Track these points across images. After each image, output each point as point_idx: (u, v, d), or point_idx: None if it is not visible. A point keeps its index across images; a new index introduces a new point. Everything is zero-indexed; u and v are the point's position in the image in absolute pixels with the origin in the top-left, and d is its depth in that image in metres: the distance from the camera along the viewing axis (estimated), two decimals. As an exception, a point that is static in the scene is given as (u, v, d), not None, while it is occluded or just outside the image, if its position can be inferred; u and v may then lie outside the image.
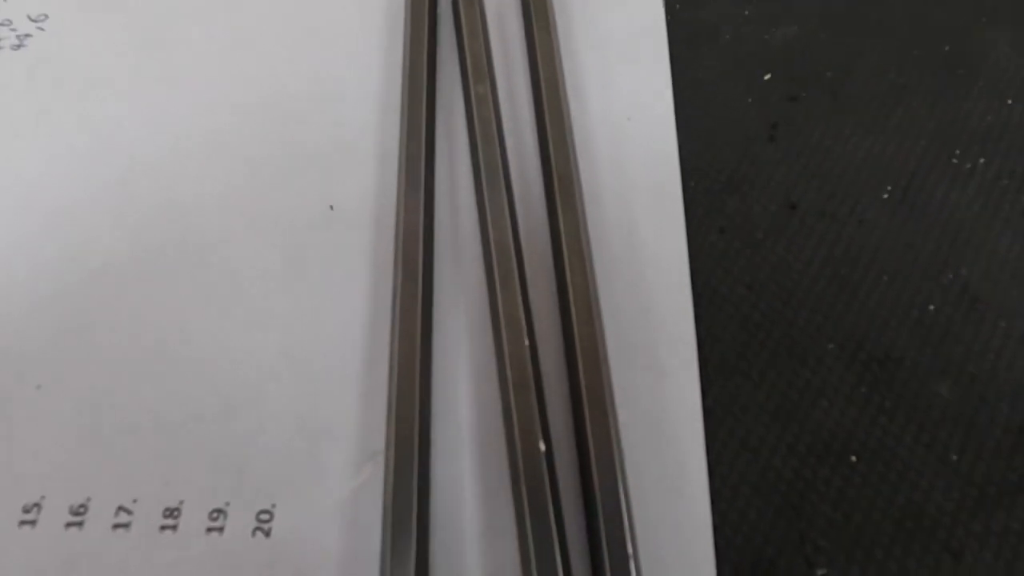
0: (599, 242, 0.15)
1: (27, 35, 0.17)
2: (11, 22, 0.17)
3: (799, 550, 0.13)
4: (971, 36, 0.19)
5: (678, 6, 0.19)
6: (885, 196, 0.16)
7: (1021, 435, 0.14)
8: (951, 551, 0.13)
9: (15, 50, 0.17)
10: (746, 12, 0.19)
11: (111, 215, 0.15)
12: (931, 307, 0.15)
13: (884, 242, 0.16)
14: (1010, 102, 0.18)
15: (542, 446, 0.12)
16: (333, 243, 0.15)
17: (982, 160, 0.17)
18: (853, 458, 0.13)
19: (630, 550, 0.11)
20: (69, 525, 0.12)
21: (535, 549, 0.11)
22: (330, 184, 0.15)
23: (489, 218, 0.14)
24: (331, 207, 0.15)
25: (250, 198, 0.15)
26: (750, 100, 0.17)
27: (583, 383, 0.13)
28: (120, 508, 0.12)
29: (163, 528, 0.12)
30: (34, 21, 0.17)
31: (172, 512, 0.12)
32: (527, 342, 0.13)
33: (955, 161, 0.17)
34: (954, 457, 0.13)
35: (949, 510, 0.13)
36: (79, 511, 0.12)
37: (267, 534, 0.12)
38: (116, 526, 0.12)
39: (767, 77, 0.18)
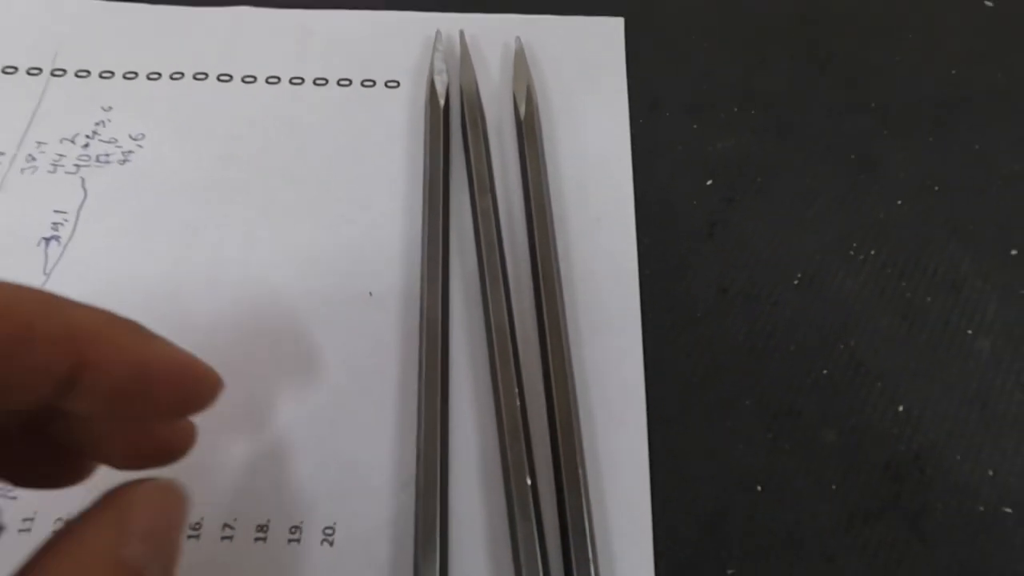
0: (572, 319, 0.20)
1: (130, 151, 0.22)
2: (116, 140, 0.22)
3: (716, 555, 0.17)
4: (871, 147, 0.24)
5: (641, 121, 0.24)
6: (795, 282, 0.21)
7: (885, 470, 0.18)
8: (827, 557, 0.17)
9: (121, 164, 0.22)
10: (694, 127, 0.24)
11: (199, 298, 0.20)
12: (825, 371, 0.20)
13: (792, 320, 0.20)
14: (899, 202, 0.22)
15: (528, 480, 0.16)
16: (372, 321, 0.19)
17: (872, 251, 0.22)
18: (759, 487, 0.18)
19: (590, 552, 0.16)
20: (190, 537, 0.16)
21: (523, 549, 0.15)
22: (369, 275, 0.20)
23: (490, 305, 0.19)
24: (370, 293, 0.20)
25: (307, 284, 0.20)
26: (695, 202, 0.22)
27: (560, 433, 0.17)
28: (225, 524, 0.16)
29: (256, 540, 0.16)
30: (134, 139, 0.22)
31: (262, 527, 0.16)
32: (518, 402, 0.17)
33: (851, 252, 0.22)
34: (833, 487, 0.18)
35: (828, 527, 0.18)
36: (195, 527, 0.16)
37: (331, 544, 0.16)
38: (223, 538, 0.16)
39: (709, 183, 0.23)
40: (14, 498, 0.17)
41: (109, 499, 0.10)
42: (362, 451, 0.18)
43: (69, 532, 0.09)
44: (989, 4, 0.27)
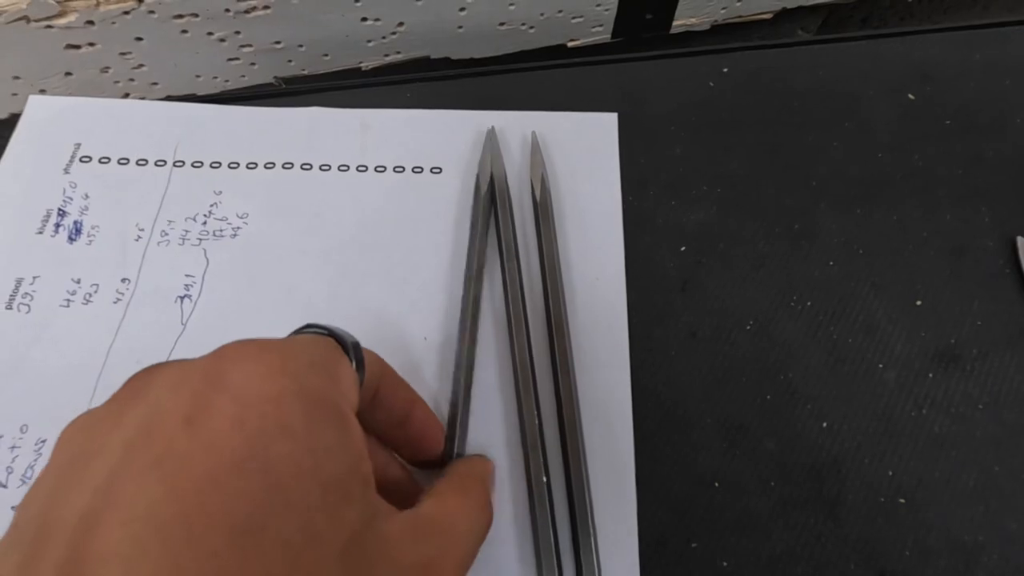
0: (578, 356, 0.26)
1: (238, 227, 0.29)
2: (227, 218, 0.29)
3: (683, 532, 0.23)
4: (810, 218, 0.30)
5: (630, 199, 0.30)
6: (748, 327, 0.27)
7: (811, 471, 0.24)
8: (765, 535, 0.23)
9: (233, 238, 0.28)
10: (672, 203, 0.30)
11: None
12: (768, 396, 0.26)
13: (744, 357, 0.27)
14: (831, 263, 0.29)
15: (544, 478, 0.23)
16: (427, 360, 0.26)
17: (808, 302, 0.28)
18: (716, 483, 0.24)
19: (591, 529, 0.22)
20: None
21: (540, 528, 0.22)
22: (423, 322, 0.27)
23: (515, 345, 0.25)
24: (424, 338, 0.26)
25: (377, 331, 0.26)
26: (671, 264, 0.29)
27: (568, 443, 0.24)
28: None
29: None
30: (240, 217, 0.29)
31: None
32: (537, 420, 0.24)
33: (792, 304, 0.28)
34: (772, 483, 0.24)
35: (766, 513, 0.24)
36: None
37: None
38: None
39: (683, 248, 0.29)
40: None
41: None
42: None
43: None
44: (911, 97, 0.33)
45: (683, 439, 0.25)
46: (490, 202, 0.29)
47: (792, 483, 0.24)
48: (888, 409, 0.26)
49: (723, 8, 0.43)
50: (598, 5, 0.40)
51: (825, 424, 0.25)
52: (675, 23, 0.43)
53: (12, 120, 0.40)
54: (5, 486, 0.23)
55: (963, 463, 0.25)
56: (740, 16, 0.45)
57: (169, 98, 0.41)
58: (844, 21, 0.53)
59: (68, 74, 0.37)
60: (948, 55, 0.34)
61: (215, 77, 0.40)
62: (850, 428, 0.25)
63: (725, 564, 0.23)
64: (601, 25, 0.42)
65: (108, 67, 0.37)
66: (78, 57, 0.36)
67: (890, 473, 0.24)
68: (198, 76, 0.40)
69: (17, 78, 0.37)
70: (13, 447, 0.24)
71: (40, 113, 0.31)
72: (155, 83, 0.40)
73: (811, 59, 0.34)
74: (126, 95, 0.40)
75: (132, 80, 0.39)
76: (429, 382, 0.25)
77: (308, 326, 0.18)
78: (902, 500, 0.24)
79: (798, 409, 0.26)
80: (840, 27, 0.54)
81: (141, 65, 0.38)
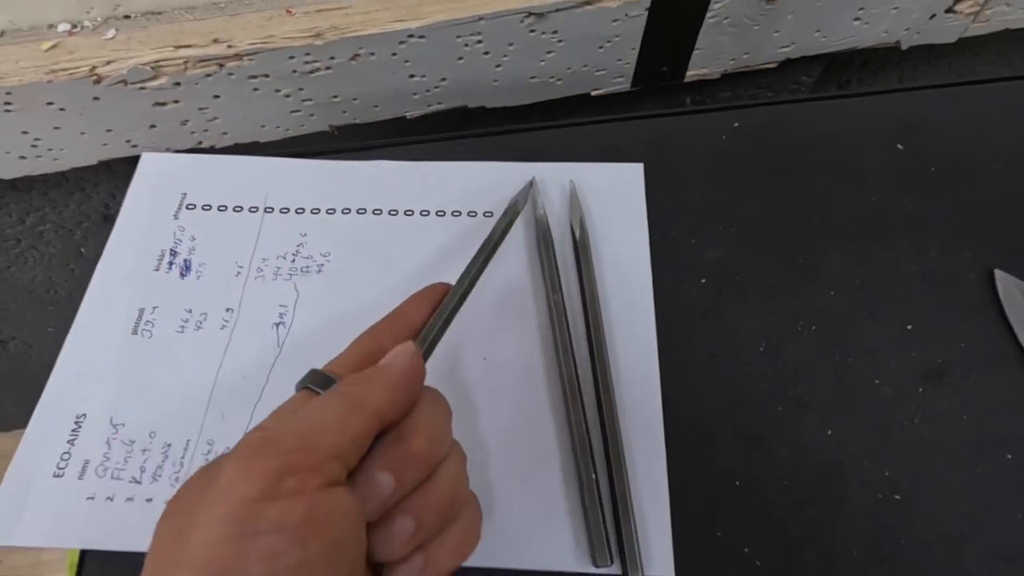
0: (615, 374, 0.30)
1: (322, 264, 0.33)
2: (312, 256, 0.34)
3: (709, 524, 0.27)
4: (815, 254, 0.34)
5: (656, 238, 0.35)
6: (761, 349, 0.32)
7: (819, 472, 0.29)
8: (780, 525, 0.27)
9: (318, 273, 0.33)
10: (693, 241, 0.35)
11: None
12: (780, 409, 0.30)
13: (759, 375, 0.31)
14: (832, 293, 0.33)
15: (593, 475, 0.27)
16: (487, 378, 0.30)
17: (814, 327, 0.32)
18: (737, 483, 0.28)
19: (632, 520, 0.26)
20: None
21: (591, 516, 0.26)
22: (481, 345, 0.31)
23: (562, 365, 0.30)
24: (484, 358, 0.31)
25: (444, 352, 0.31)
26: (693, 295, 0.33)
27: (610, 447, 0.28)
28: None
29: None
30: (324, 256, 0.34)
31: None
32: (584, 428, 0.28)
33: (799, 328, 0.32)
34: (785, 483, 0.28)
35: (780, 508, 0.28)
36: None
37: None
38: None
39: (703, 281, 0.34)
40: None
41: None
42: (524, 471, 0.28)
43: None
44: (900, 147, 0.38)
45: (707, 445, 0.29)
46: (538, 242, 0.34)
47: (802, 482, 0.28)
48: (884, 419, 0.30)
49: (732, 60, 0.49)
50: (619, 60, 0.46)
51: (830, 432, 0.29)
52: (689, 73, 0.48)
53: (101, 167, 0.46)
54: (139, 482, 0.28)
55: (950, 465, 0.29)
56: (748, 66, 0.50)
57: (236, 145, 0.47)
58: (844, 67, 0.58)
59: (152, 126, 0.43)
60: (933, 109, 0.39)
61: (277, 126, 0.45)
62: (852, 435, 0.29)
63: (746, 551, 0.27)
64: (622, 76, 0.47)
65: (187, 120, 0.43)
66: (163, 112, 0.42)
67: (887, 474, 0.29)
68: (263, 126, 0.45)
69: (109, 131, 0.43)
70: (144, 450, 0.28)
71: (152, 167, 0.36)
72: (225, 132, 0.45)
73: (812, 114, 0.39)
74: (199, 143, 0.46)
75: (206, 131, 0.45)
76: (486, 397, 0.30)
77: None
78: (897, 497, 0.28)
79: (806, 419, 0.30)
80: (840, 73, 0.58)
81: (215, 118, 0.43)
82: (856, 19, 0.47)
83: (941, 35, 0.49)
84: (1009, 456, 0.29)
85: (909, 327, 0.32)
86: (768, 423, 0.30)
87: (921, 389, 0.30)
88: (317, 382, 0.21)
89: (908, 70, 0.58)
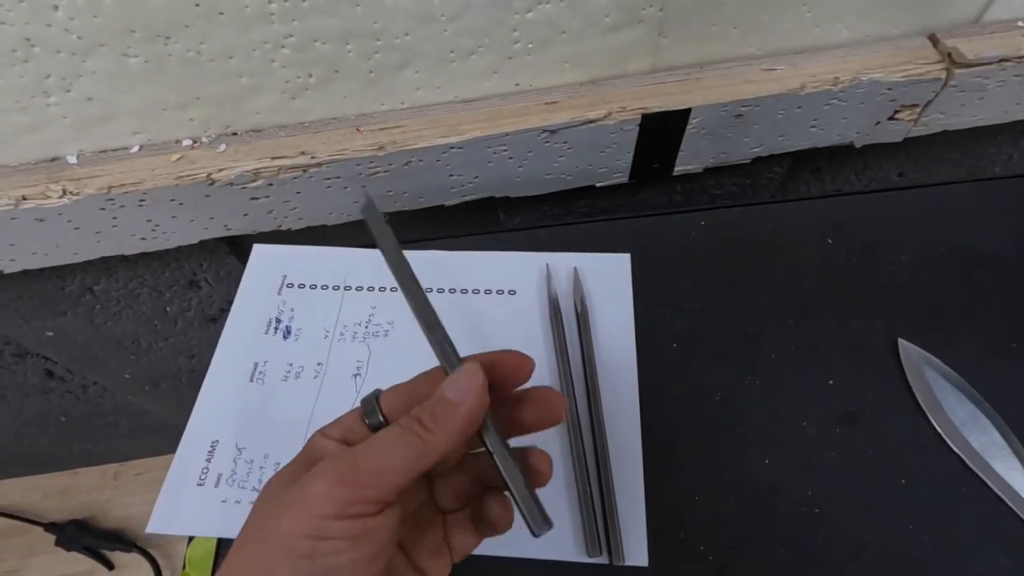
0: (607, 415, 0.41)
1: (388, 330, 0.45)
2: (381, 324, 0.45)
3: (674, 524, 0.37)
4: (760, 325, 0.45)
5: (639, 312, 0.46)
6: (717, 397, 0.42)
7: (758, 491, 0.38)
8: (727, 530, 0.37)
9: (385, 337, 0.44)
10: (667, 314, 0.46)
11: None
12: (729, 442, 0.40)
13: (714, 417, 0.41)
14: (773, 355, 0.44)
15: (588, 488, 0.37)
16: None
17: (757, 381, 0.42)
18: (696, 497, 0.38)
19: (616, 512, 0.36)
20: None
21: (584, 509, 0.36)
22: (508, 393, 0.42)
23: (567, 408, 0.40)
24: (509, 402, 0.41)
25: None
26: (667, 355, 0.44)
27: (600, 463, 0.38)
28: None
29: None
30: (388, 324, 0.45)
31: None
32: (582, 449, 0.38)
33: (746, 382, 0.42)
34: (731, 498, 0.38)
35: (727, 516, 0.38)
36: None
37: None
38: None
39: (674, 345, 0.44)
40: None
41: None
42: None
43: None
44: (829, 242, 0.49)
45: (675, 468, 0.39)
46: (551, 312, 0.45)
47: (745, 498, 0.38)
48: (809, 452, 0.40)
49: (711, 158, 0.60)
50: (618, 160, 0.57)
51: (767, 461, 0.39)
52: (676, 168, 0.60)
53: (201, 244, 0.58)
54: (257, 490, 0.38)
55: (858, 488, 0.38)
56: (725, 162, 0.61)
57: (309, 228, 0.59)
58: (811, 158, 0.67)
59: (245, 215, 0.55)
60: (857, 211, 0.50)
61: (341, 213, 0.58)
62: (783, 463, 0.39)
63: (702, 548, 0.37)
64: (621, 172, 0.59)
65: (272, 209, 0.55)
66: (256, 204, 0.54)
67: (810, 493, 0.38)
68: (330, 213, 0.57)
69: (212, 218, 0.55)
70: (261, 467, 0.39)
71: (260, 255, 0.49)
72: (300, 218, 0.58)
73: (763, 215, 0.50)
74: (279, 226, 0.58)
75: (287, 217, 0.57)
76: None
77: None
78: (817, 510, 0.38)
79: (749, 451, 0.40)
80: (806, 164, 0.68)
81: (295, 208, 0.56)
82: (812, 127, 0.57)
83: (889, 136, 0.58)
84: (903, 481, 0.38)
85: (831, 382, 0.42)
86: (720, 453, 0.40)
87: (838, 429, 0.40)
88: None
89: (870, 159, 0.68)
